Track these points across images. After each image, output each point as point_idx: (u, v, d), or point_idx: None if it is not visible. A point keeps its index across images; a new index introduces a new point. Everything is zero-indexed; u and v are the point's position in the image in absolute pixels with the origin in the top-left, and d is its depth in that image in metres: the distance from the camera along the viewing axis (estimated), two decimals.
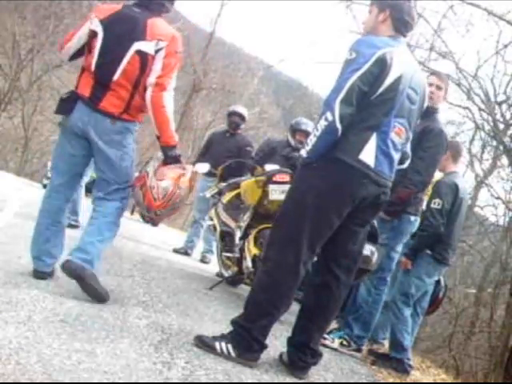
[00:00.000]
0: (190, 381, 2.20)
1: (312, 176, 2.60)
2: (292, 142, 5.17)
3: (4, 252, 3.56)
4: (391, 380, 3.46)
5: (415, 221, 3.83)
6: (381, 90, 2.54)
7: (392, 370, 3.59)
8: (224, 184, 5.07)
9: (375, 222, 3.37)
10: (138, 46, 2.99)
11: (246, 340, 2.57)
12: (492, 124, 10.07)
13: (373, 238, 3.29)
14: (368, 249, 3.07)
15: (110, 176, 3.11)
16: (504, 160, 10.76)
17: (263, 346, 2.64)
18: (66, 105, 3.06)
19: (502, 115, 10.37)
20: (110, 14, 3.06)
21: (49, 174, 13.87)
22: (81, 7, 21.62)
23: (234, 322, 2.65)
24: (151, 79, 3.01)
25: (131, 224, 9.44)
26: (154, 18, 3.06)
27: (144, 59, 2.99)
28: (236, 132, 6.40)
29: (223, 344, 2.57)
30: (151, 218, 3.22)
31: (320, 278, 2.74)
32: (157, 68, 3.01)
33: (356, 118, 2.54)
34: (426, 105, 2.88)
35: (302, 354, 2.71)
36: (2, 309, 2.42)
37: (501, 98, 10.54)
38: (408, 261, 3.76)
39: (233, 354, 2.56)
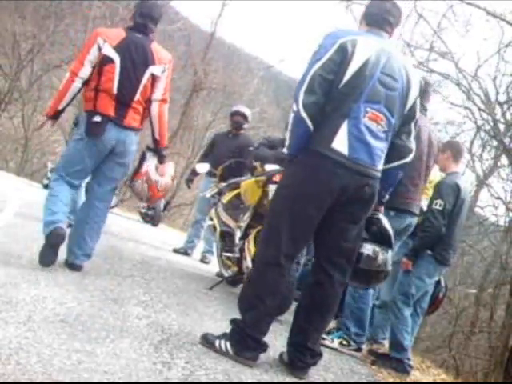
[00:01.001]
0: (190, 381, 2.20)
1: (291, 170, 2.70)
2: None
3: (4, 252, 3.56)
4: (391, 380, 3.46)
5: (396, 216, 3.66)
6: (346, 77, 2.57)
7: (392, 369, 3.58)
8: (224, 184, 5.07)
9: (388, 227, 3.00)
10: (151, 70, 3.56)
11: (241, 337, 2.60)
12: (492, 124, 10.07)
13: (383, 241, 3.08)
14: (370, 248, 2.97)
15: (119, 177, 3.74)
16: (504, 160, 10.76)
17: (261, 344, 2.64)
18: (99, 127, 3.47)
19: (503, 115, 10.37)
20: (120, 40, 3.51)
21: (49, 175, 13.88)
22: (81, 7, 21.62)
23: (231, 321, 2.71)
24: (158, 95, 3.61)
25: (131, 224, 9.44)
26: (152, 43, 3.61)
27: (154, 80, 3.58)
28: (239, 132, 6.39)
29: (222, 342, 2.62)
30: (149, 205, 4.00)
31: (314, 277, 2.76)
32: (162, 86, 3.62)
33: (327, 109, 2.59)
34: (415, 93, 2.76)
35: (300, 354, 2.71)
36: (2, 309, 2.42)
37: (501, 97, 10.54)
38: (409, 261, 3.75)
39: (230, 351, 2.59)
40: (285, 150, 2.70)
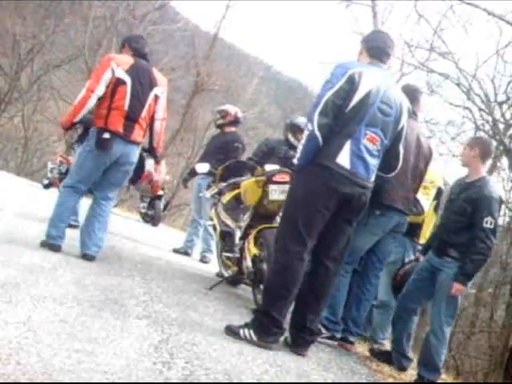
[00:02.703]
0: (189, 381, 2.20)
1: (302, 178, 3.15)
2: (292, 139, 5.06)
3: (4, 252, 3.56)
4: (391, 380, 3.46)
5: (382, 215, 3.72)
6: (352, 103, 3.03)
7: None
8: (224, 184, 5.06)
9: None
10: (155, 91, 4.18)
11: (264, 324, 2.98)
12: (492, 124, 10.08)
13: None
14: None
15: (122, 183, 4.38)
16: (504, 160, 10.76)
17: (281, 328, 3.03)
18: (108, 143, 3.99)
19: (503, 115, 10.37)
20: (130, 65, 4.07)
21: (49, 175, 13.85)
22: (81, 7, 21.64)
23: (254, 311, 3.17)
24: (159, 115, 4.25)
25: (131, 224, 9.45)
26: (153, 68, 4.26)
27: (157, 99, 4.21)
28: (227, 131, 6.46)
29: (246, 330, 2.98)
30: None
31: (312, 269, 3.20)
32: (162, 106, 4.25)
33: (334, 129, 3.04)
34: (405, 118, 3.27)
35: (300, 333, 3.13)
36: (2, 309, 2.42)
37: (501, 97, 10.54)
38: (463, 287, 3.50)
39: (254, 338, 2.96)
40: (295, 161, 3.15)
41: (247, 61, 27.50)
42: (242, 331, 2.98)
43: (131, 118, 4.05)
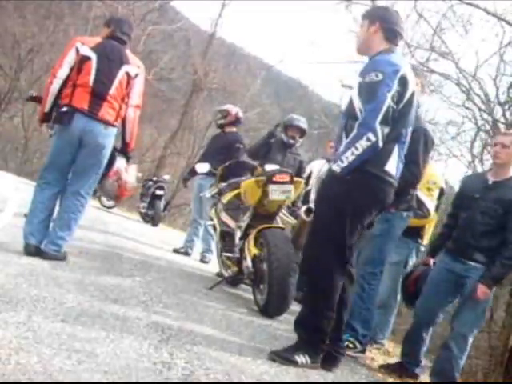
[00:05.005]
0: (189, 381, 2.20)
1: (345, 187, 2.77)
2: (284, 138, 5.45)
3: (4, 252, 3.56)
4: (391, 380, 3.45)
5: (407, 217, 3.77)
6: (400, 106, 2.78)
7: None
8: (224, 184, 5.07)
9: None
10: (126, 68, 3.86)
11: (318, 347, 2.83)
12: (492, 124, 10.07)
13: None
14: None
15: (92, 171, 3.84)
16: None
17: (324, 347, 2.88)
18: (66, 116, 3.72)
19: (503, 115, 10.36)
20: (96, 43, 3.86)
21: None
22: (81, 7, 21.63)
23: (304, 335, 2.85)
24: (134, 101, 3.92)
25: (131, 224, 9.45)
26: (126, 49, 3.96)
27: (129, 79, 3.88)
28: (228, 131, 6.47)
29: (301, 356, 2.78)
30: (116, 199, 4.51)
31: None
32: (137, 92, 3.92)
33: None
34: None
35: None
36: (2, 309, 2.42)
37: (502, 98, 10.52)
38: (488, 291, 3.28)
39: (309, 362, 2.80)
40: (337, 169, 2.76)
41: (247, 61, 27.46)
42: (299, 359, 2.78)
43: (98, 95, 3.75)
